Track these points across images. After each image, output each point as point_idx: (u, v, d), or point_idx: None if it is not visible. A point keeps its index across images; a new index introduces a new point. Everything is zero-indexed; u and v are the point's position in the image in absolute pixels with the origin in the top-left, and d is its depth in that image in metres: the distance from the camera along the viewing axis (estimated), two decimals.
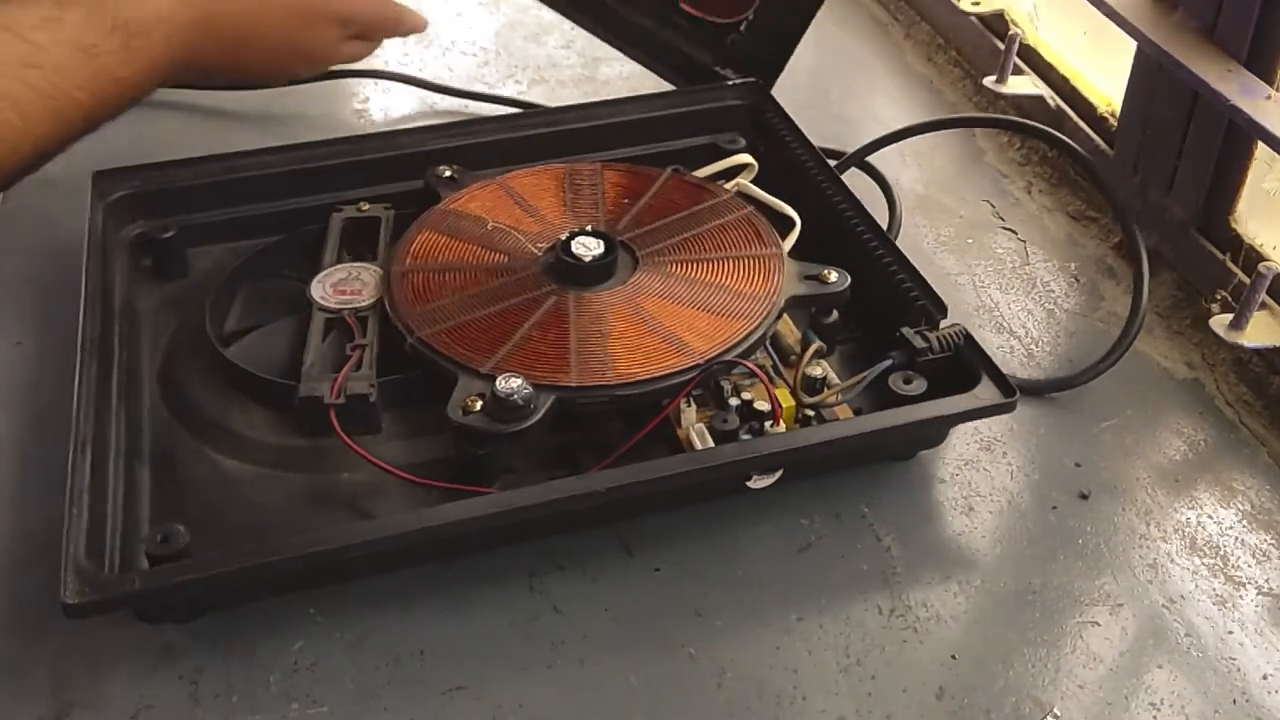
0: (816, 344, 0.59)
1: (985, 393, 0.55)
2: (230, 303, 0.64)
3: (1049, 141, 0.75)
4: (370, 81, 0.88)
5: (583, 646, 0.51)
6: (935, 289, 0.60)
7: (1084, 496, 0.58)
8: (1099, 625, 0.52)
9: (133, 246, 0.67)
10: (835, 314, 0.62)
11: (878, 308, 0.62)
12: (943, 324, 0.59)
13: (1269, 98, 0.62)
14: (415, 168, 0.69)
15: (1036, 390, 0.63)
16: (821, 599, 0.53)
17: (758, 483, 0.54)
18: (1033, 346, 0.67)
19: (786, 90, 0.90)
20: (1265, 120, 0.61)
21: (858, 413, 0.58)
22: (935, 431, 0.59)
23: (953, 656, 0.51)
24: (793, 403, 0.57)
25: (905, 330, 0.58)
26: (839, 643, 0.51)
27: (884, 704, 0.49)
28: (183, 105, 0.83)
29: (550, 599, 0.52)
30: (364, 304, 0.61)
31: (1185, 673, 0.50)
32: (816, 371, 0.58)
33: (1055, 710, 0.49)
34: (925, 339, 0.57)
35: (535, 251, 0.63)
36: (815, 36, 0.98)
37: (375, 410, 0.56)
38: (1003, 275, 0.73)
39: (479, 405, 0.53)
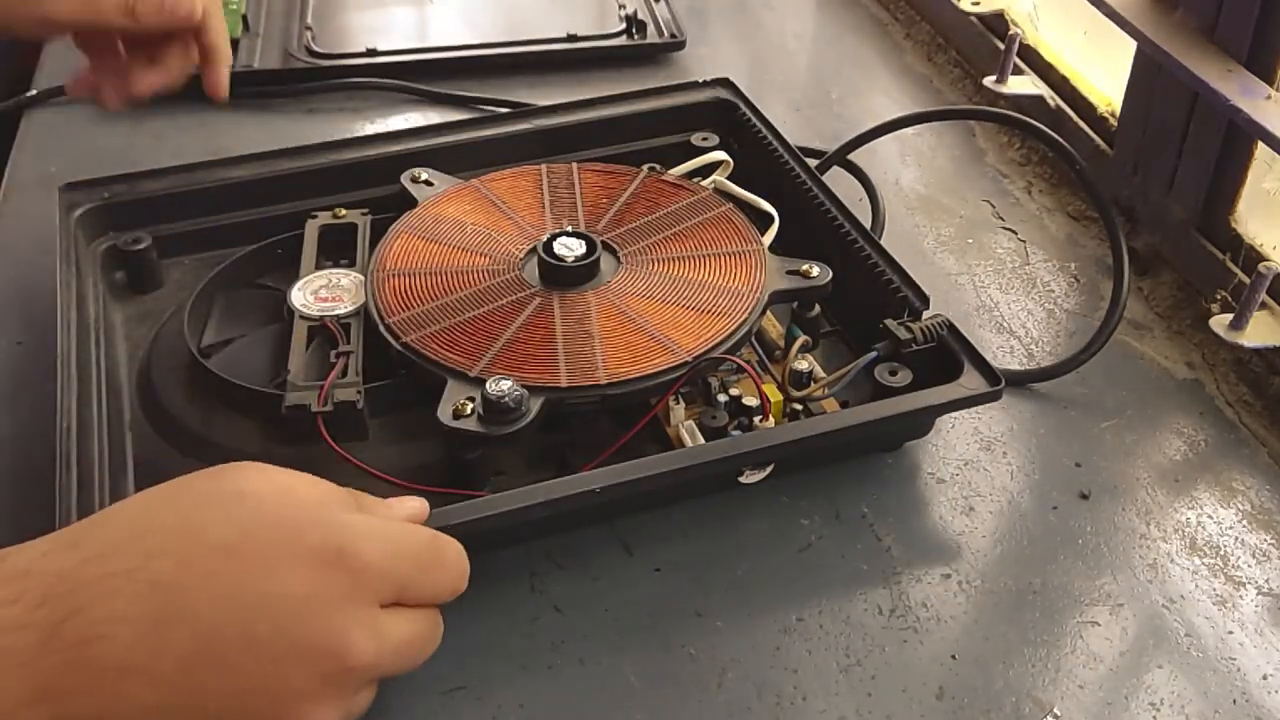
0: (802, 338, 0.60)
1: (971, 382, 0.55)
2: (208, 313, 0.64)
3: (1025, 129, 0.74)
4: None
5: (583, 646, 0.51)
6: (920, 283, 0.60)
7: (1084, 496, 0.58)
8: (1099, 625, 0.52)
9: (104, 259, 0.66)
10: (817, 308, 0.62)
11: (858, 300, 0.62)
12: (925, 315, 0.59)
13: (1269, 98, 0.62)
14: (389, 172, 0.69)
15: (1018, 380, 0.63)
16: (822, 599, 0.53)
17: (750, 477, 0.54)
18: (1033, 346, 0.67)
19: (786, 90, 0.91)
20: (1265, 120, 0.61)
21: (844, 405, 0.58)
22: (922, 422, 0.59)
23: (953, 656, 0.51)
24: (780, 397, 0.57)
25: (889, 322, 0.58)
26: (839, 643, 0.51)
27: (884, 704, 0.49)
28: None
29: (550, 598, 0.52)
30: (346, 310, 0.61)
31: (1185, 673, 0.50)
32: (803, 366, 0.58)
33: (1055, 710, 0.49)
34: (909, 330, 0.57)
35: (516, 253, 0.63)
36: (815, 36, 0.99)
37: (363, 417, 0.56)
38: (1003, 275, 0.73)
39: (470, 409, 0.53)
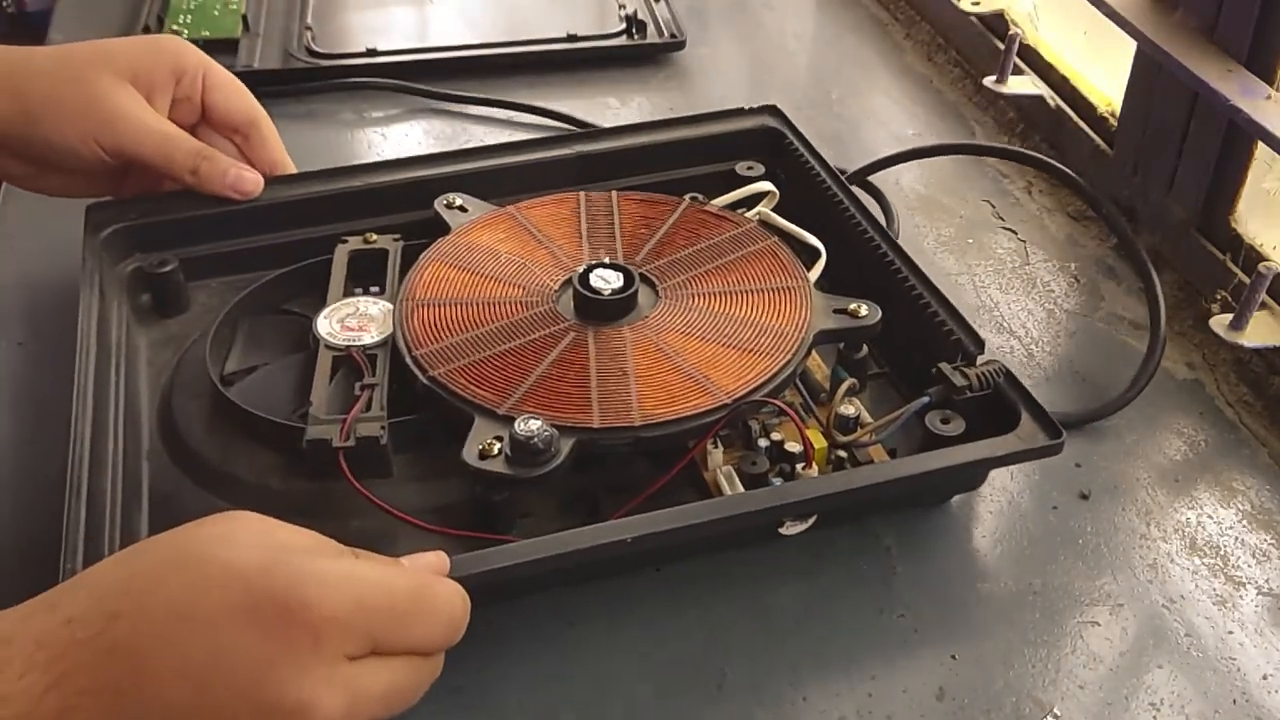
0: (849, 381, 0.56)
1: (1028, 434, 0.52)
2: (231, 340, 0.62)
3: (1050, 172, 0.74)
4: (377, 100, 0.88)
5: (582, 647, 0.51)
6: (971, 323, 0.58)
7: (1084, 496, 0.58)
8: (1099, 625, 0.52)
9: (130, 281, 0.64)
10: (865, 348, 0.59)
11: (908, 341, 0.59)
12: (980, 359, 0.55)
13: (1269, 98, 0.62)
14: (423, 196, 0.66)
15: (1066, 425, 0.59)
16: (821, 599, 0.53)
17: (791, 529, 0.51)
18: (1033, 346, 0.67)
19: (787, 90, 0.91)
20: (1265, 120, 0.61)
21: (892, 453, 0.55)
22: (975, 475, 0.56)
23: (953, 656, 0.51)
24: (825, 444, 0.54)
25: (943, 366, 0.55)
26: (839, 643, 0.51)
27: (884, 704, 0.49)
28: None
29: (552, 598, 0.52)
30: (373, 340, 0.58)
31: (1185, 673, 0.50)
32: (849, 410, 0.55)
33: (1055, 710, 0.49)
34: (964, 376, 0.54)
35: (551, 284, 0.60)
36: (815, 36, 0.99)
37: (386, 453, 0.53)
38: (1003, 275, 0.73)
39: (497, 449, 0.50)
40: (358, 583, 0.40)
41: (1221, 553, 0.56)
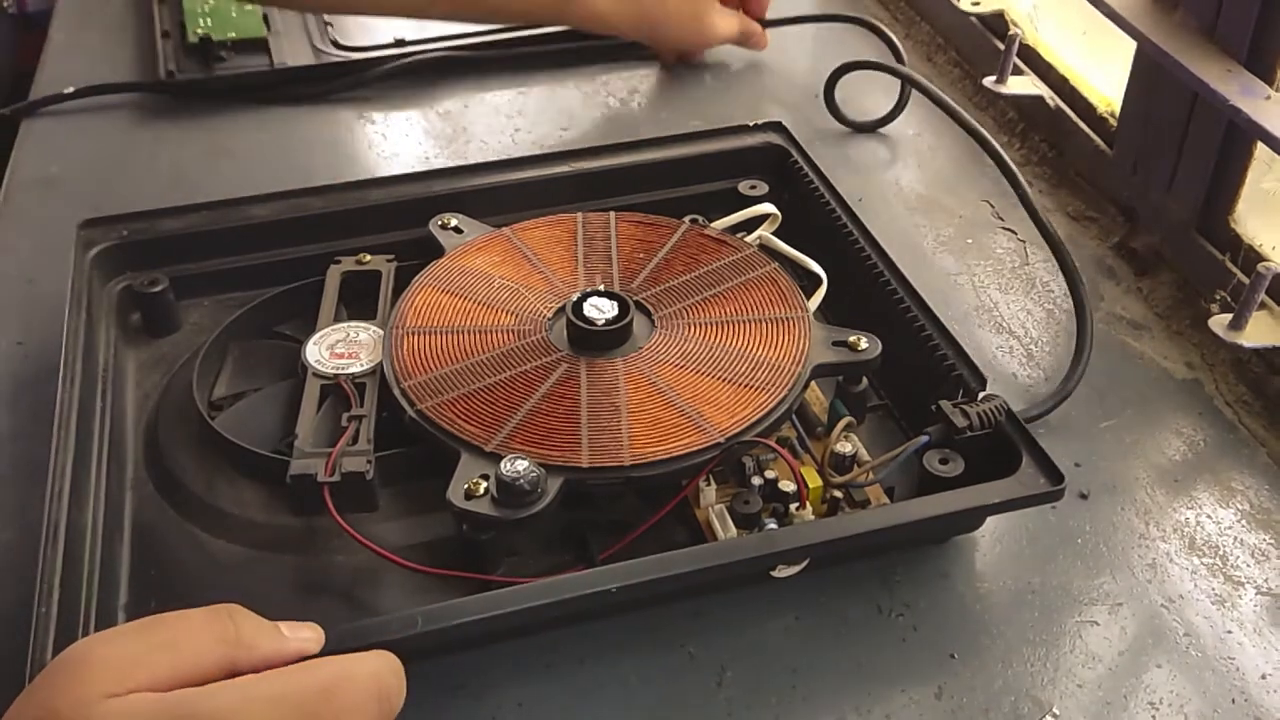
0: (847, 418, 0.56)
1: (1029, 478, 0.51)
2: (221, 363, 0.61)
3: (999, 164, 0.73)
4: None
5: (581, 645, 0.51)
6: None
7: (1084, 496, 0.58)
8: (1098, 625, 0.52)
9: (120, 301, 0.63)
10: (864, 381, 0.58)
11: (909, 374, 0.58)
12: (981, 395, 0.55)
13: (1269, 98, 0.62)
14: (420, 214, 0.65)
15: (1028, 420, 0.58)
16: (820, 599, 0.53)
17: (782, 572, 0.50)
18: (1032, 346, 0.67)
19: (786, 90, 0.91)
20: (1265, 120, 0.61)
21: (889, 491, 0.55)
22: (973, 518, 0.55)
23: (952, 656, 0.51)
24: (819, 483, 0.53)
25: (944, 404, 0.54)
26: (838, 642, 0.51)
27: (884, 704, 0.49)
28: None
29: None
30: (361, 369, 0.57)
31: (1184, 672, 0.51)
32: (846, 449, 0.54)
33: (1055, 710, 0.49)
34: (965, 415, 0.53)
35: (545, 311, 0.59)
36: (814, 35, 0.99)
37: (372, 488, 0.53)
38: (1002, 275, 0.73)
39: (483, 489, 0.49)
40: (255, 704, 0.38)
41: (1220, 552, 0.56)
